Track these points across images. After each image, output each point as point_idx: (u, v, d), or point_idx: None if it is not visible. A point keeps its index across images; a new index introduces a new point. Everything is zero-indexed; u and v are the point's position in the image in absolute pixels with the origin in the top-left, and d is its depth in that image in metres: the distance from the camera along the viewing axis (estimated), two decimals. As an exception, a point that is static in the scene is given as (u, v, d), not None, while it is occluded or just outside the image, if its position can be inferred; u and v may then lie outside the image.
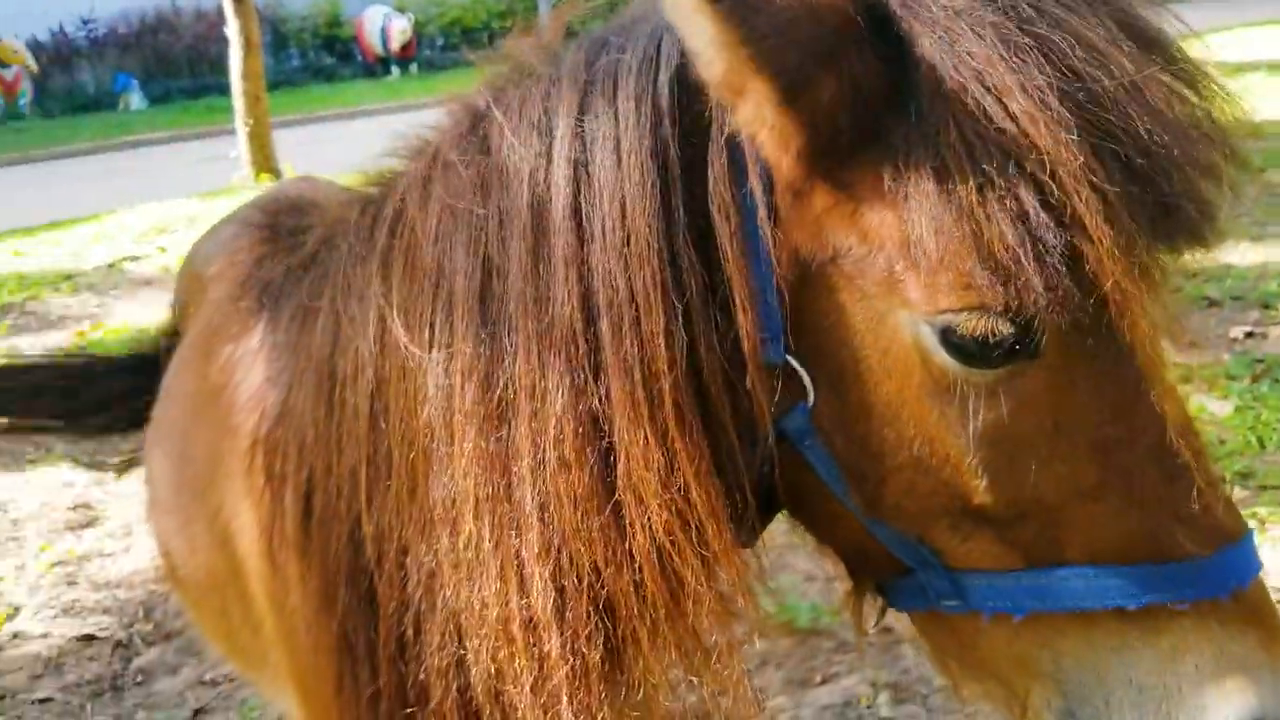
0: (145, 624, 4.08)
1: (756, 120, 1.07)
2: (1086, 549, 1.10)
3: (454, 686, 1.33)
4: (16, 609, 4.25)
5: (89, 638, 4.02)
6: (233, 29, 12.69)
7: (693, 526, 1.18)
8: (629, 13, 1.30)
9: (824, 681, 3.50)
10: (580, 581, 1.21)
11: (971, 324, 1.04)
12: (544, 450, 1.19)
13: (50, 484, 5.39)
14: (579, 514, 1.19)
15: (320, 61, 27.78)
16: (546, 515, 1.20)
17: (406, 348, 1.31)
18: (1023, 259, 0.99)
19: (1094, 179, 0.98)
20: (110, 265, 10.27)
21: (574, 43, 1.30)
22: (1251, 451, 4.65)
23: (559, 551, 1.21)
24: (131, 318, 8.52)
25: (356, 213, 1.55)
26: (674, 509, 1.17)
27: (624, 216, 1.15)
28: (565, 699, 1.24)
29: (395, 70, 26.72)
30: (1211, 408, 5.05)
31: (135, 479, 5.31)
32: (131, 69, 25.13)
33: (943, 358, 1.07)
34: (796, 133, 1.06)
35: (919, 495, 1.15)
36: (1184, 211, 1.04)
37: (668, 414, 1.16)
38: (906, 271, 1.06)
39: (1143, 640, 1.09)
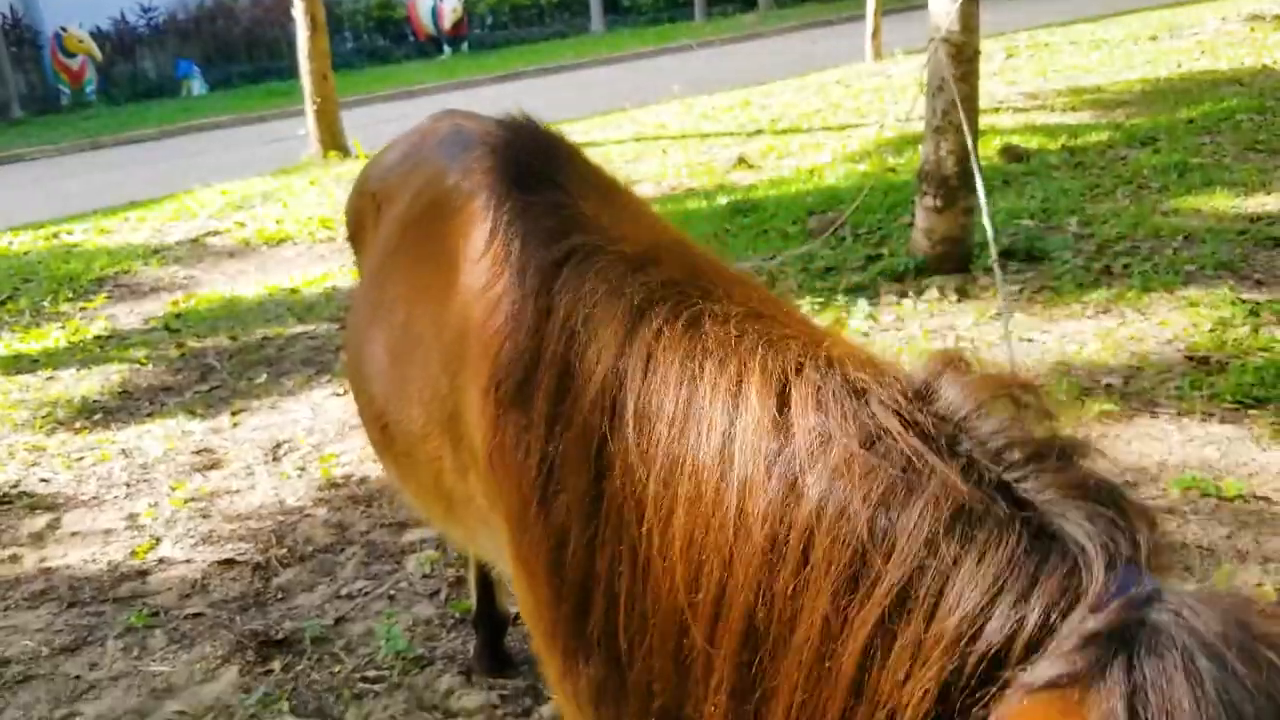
0: (279, 549, 4.38)
1: None
2: None
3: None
4: (158, 539, 4.58)
5: (229, 562, 4.33)
6: (298, 9, 13.02)
7: None
8: None
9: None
10: None
11: None
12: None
13: (170, 433, 5.73)
14: None
15: (374, 43, 28.18)
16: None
17: (639, 455, 1.45)
18: None
19: None
20: (194, 240, 10.65)
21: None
22: (1322, 377, 4.80)
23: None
24: (220, 288, 8.91)
25: (633, 280, 1.62)
26: None
27: None
28: None
29: (447, 50, 27.05)
30: (1281, 338, 5.20)
31: (247, 427, 5.65)
32: (192, 55, 25.68)
33: None
34: None
35: None
36: None
37: None
38: None
39: None
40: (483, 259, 1.90)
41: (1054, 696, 1.00)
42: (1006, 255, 6.94)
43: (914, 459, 1.19)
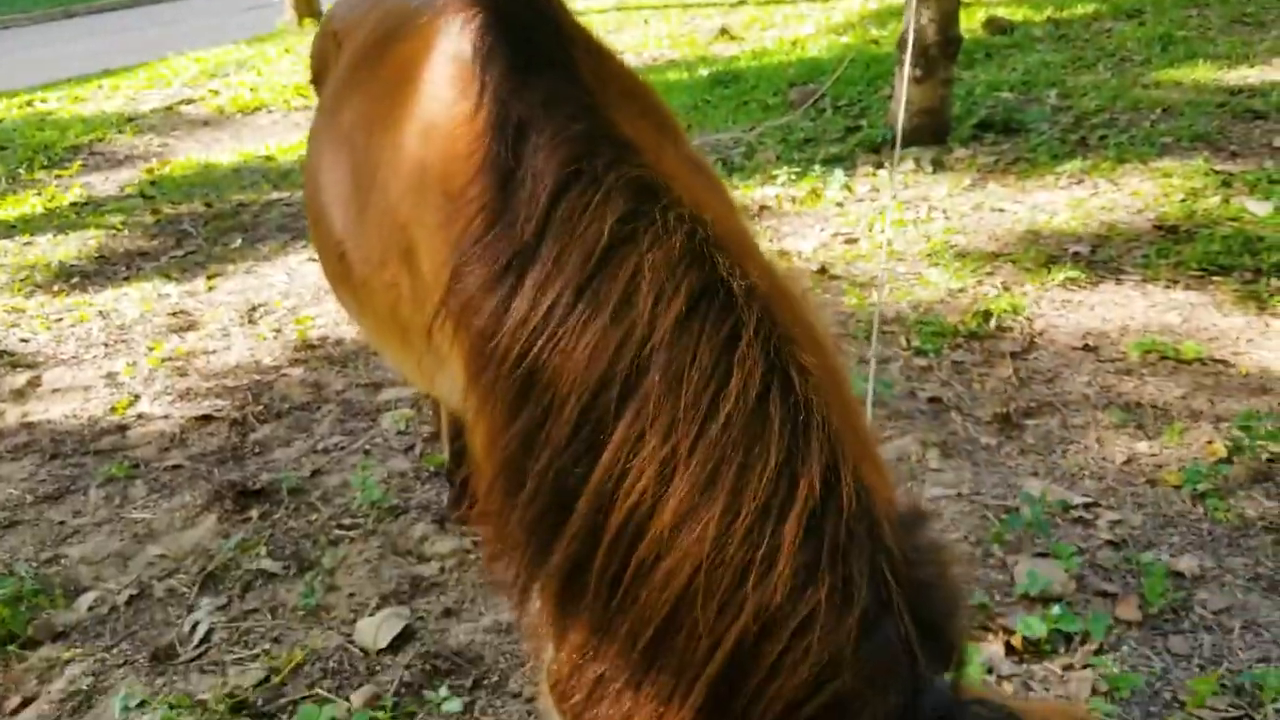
0: (256, 406, 4.46)
1: None
2: None
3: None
4: (136, 396, 4.65)
5: (206, 418, 4.41)
6: None
7: None
8: None
9: (879, 442, 3.83)
10: None
11: None
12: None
13: (147, 296, 5.76)
14: None
15: (351, -91, 27.33)
16: None
17: (677, 436, 1.41)
18: None
19: None
20: (167, 109, 10.52)
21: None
22: (1287, 246, 4.87)
23: None
24: (194, 155, 8.83)
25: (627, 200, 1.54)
26: None
27: None
28: None
29: (427, -83, 26.28)
30: (1251, 207, 5.24)
31: (223, 291, 5.68)
32: (162, -80, 24.92)
33: None
34: None
35: None
36: None
37: None
38: None
39: None
40: (470, 121, 1.76)
41: None
42: (984, 127, 6.93)
43: (892, 606, 1.34)
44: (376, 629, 3.09)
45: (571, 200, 1.54)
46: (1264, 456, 3.52)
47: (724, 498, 1.35)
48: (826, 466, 1.36)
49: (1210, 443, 3.63)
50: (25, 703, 2.98)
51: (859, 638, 1.29)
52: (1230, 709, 2.57)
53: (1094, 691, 2.66)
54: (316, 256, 2.78)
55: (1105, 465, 3.58)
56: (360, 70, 2.41)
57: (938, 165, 6.42)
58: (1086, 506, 3.37)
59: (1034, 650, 2.82)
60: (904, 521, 1.43)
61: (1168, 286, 4.71)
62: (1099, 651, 2.79)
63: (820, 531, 1.33)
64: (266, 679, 2.94)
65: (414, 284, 2.05)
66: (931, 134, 6.73)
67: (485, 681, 2.90)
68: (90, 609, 3.32)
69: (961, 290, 4.85)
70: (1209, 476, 3.43)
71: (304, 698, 2.85)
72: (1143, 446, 3.66)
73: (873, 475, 1.43)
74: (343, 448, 4.11)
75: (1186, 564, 3.08)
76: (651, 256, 1.47)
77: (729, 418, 1.37)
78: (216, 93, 10.91)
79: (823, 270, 5.19)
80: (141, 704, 2.88)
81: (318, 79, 3.07)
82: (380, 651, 3.02)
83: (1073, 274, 4.84)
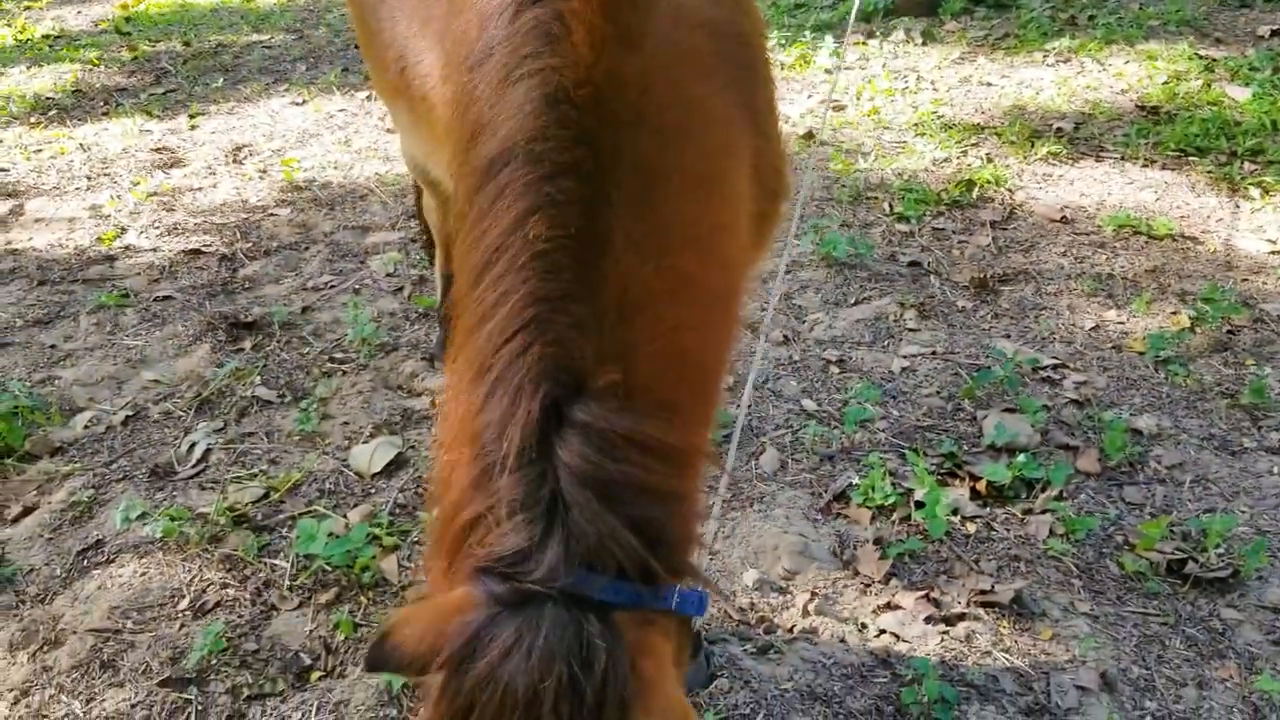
0: (245, 243, 4.49)
1: None
2: None
3: None
4: (122, 229, 4.65)
5: (195, 252, 4.44)
6: None
7: None
8: None
9: (858, 303, 3.94)
10: None
11: None
12: None
13: (128, 131, 5.71)
14: None
15: None
16: None
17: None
18: None
19: None
20: (140, -57, 10.20)
21: None
22: (1264, 132, 4.95)
23: None
24: (171, -7, 8.62)
25: None
26: None
27: None
28: None
29: None
30: (1231, 93, 5.32)
31: (206, 130, 5.63)
32: None
33: None
34: None
35: None
36: None
37: None
38: None
39: None
40: None
41: (461, 604, 1.33)
42: (976, 2, 6.91)
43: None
44: (371, 455, 3.20)
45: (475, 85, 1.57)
46: (1225, 328, 3.66)
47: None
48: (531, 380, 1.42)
49: (1175, 313, 3.77)
50: (26, 511, 3.08)
51: (523, 488, 1.37)
52: (1176, 552, 2.75)
53: (1051, 533, 2.83)
54: (368, 68, 2.72)
55: (1074, 330, 3.71)
56: None
57: (928, 37, 6.42)
58: (1055, 367, 3.51)
59: (998, 495, 2.98)
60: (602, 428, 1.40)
61: (1145, 165, 4.80)
62: (1058, 498, 2.95)
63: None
64: (265, 496, 3.05)
65: None
66: (924, 6, 6.71)
67: (476, 506, 3.02)
68: (86, 427, 3.40)
69: (946, 160, 4.91)
70: (1172, 344, 3.58)
71: (302, 513, 2.97)
72: (1111, 315, 3.79)
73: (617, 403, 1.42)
74: (332, 286, 4.16)
75: (1145, 423, 3.24)
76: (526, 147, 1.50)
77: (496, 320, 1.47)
78: (190, -70, 10.58)
79: (809, 136, 5.23)
80: (142, 515, 2.98)
81: None
82: (374, 475, 3.13)
83: (1055, 149, 4.92)
